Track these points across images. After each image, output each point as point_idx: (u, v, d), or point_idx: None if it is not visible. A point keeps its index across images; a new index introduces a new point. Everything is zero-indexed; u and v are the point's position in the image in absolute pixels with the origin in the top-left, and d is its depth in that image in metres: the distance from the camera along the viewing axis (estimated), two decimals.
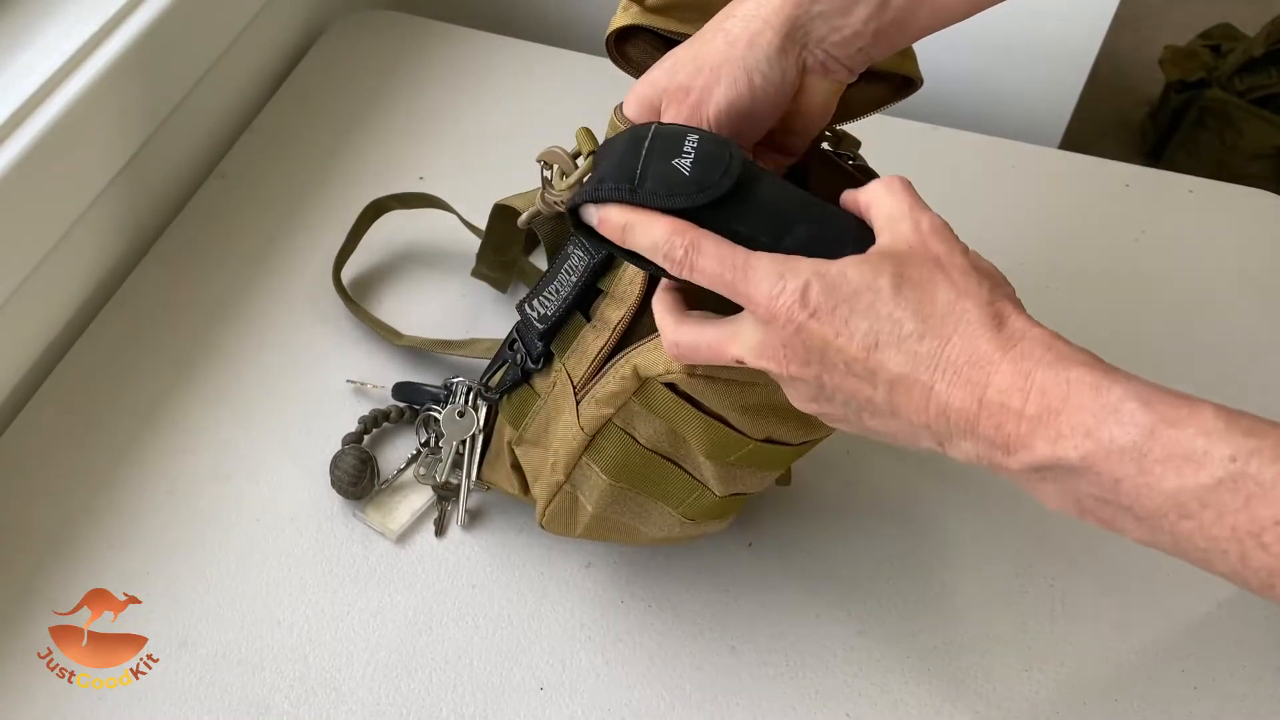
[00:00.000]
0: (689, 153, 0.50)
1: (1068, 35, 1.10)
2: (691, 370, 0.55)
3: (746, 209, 0.49)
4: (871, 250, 0.48)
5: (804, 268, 0.46)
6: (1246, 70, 1.80)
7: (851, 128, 0.65)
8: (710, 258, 0.48)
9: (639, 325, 0.60)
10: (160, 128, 0.85)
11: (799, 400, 0.50)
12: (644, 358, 0.57)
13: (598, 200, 0.51)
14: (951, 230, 0.49)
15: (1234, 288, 0.91)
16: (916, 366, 0.45)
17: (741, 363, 0.49)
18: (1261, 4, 1.87)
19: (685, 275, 0.49)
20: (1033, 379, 0.43)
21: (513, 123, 0.98)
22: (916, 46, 0.62)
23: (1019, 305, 0.46)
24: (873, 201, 0.50)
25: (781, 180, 0.52)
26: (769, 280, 0.46)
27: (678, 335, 0.52)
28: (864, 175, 0.63)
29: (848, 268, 0.46)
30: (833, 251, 0.48)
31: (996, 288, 0.46)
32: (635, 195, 0.50)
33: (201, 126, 0.93)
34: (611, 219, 0.50)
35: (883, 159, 0.65)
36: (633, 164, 0.50)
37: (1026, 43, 1.11)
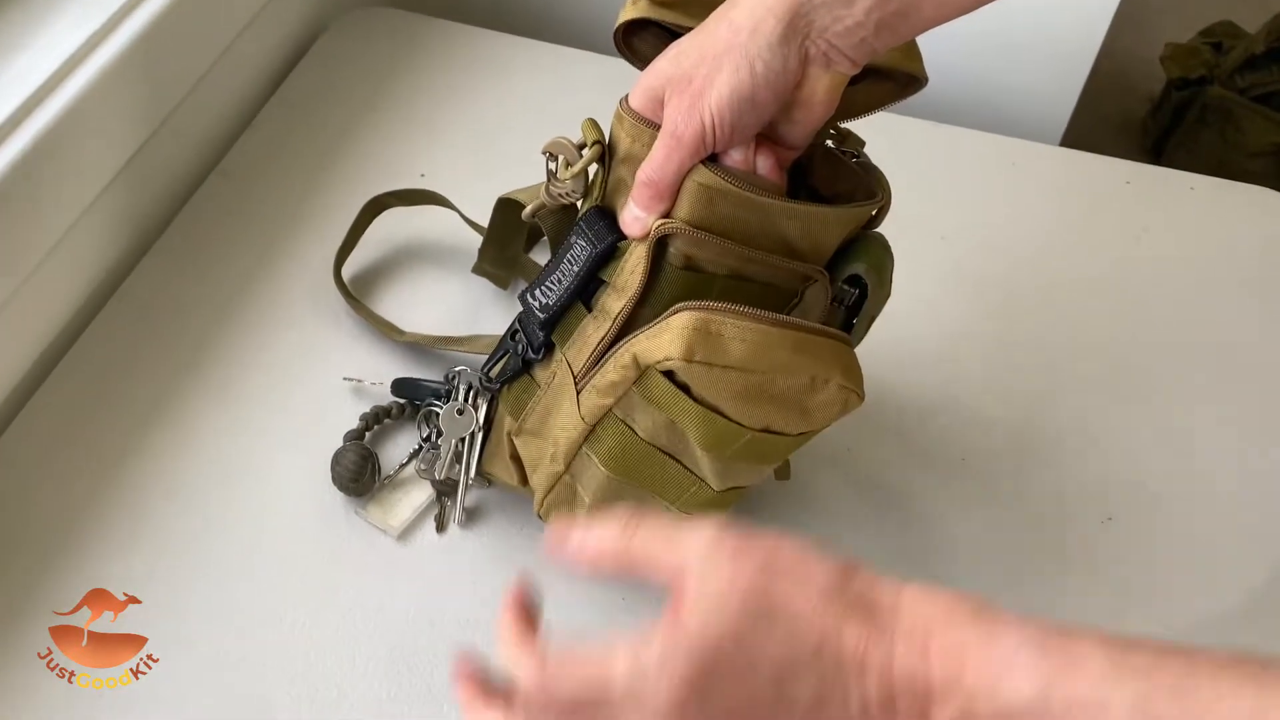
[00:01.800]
0: None
1: (1069, 33, 1.10)
2: (690, 356, 0.55)
3: None
4: (714, 583, 0.45)
5: (676, 654, 0.44)
6: (1248, 67, 1.80)
7: (854, 123, 0.65)
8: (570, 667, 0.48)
9: (639, 316, 0.60)
10: (160, 127, 0.85)
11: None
12: (643, 345, 0.57)
13: None
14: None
15: (1234, 285, 0.91)
16: (825, 680, 0.43)
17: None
18: (1262, 1, 1.86)
19: None
20: (929, 646, 0.43)
21: (514, 120, 0.98)
22: (919, 42, 0.62)
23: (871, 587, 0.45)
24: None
25: None
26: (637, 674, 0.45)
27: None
28: (866, 172, 0.63)
29: (710, 621, 0.44)
30: None
31: (835, 588, 0.45)
32: None
33: (201, 126, 0.93)
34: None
35: (885, 157, 0.65)
36: None
37: (1028, 40, 1.11)
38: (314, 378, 0.79)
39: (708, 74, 0.54)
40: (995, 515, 0.75)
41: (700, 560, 0.45)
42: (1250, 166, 1.77)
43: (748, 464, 0.61)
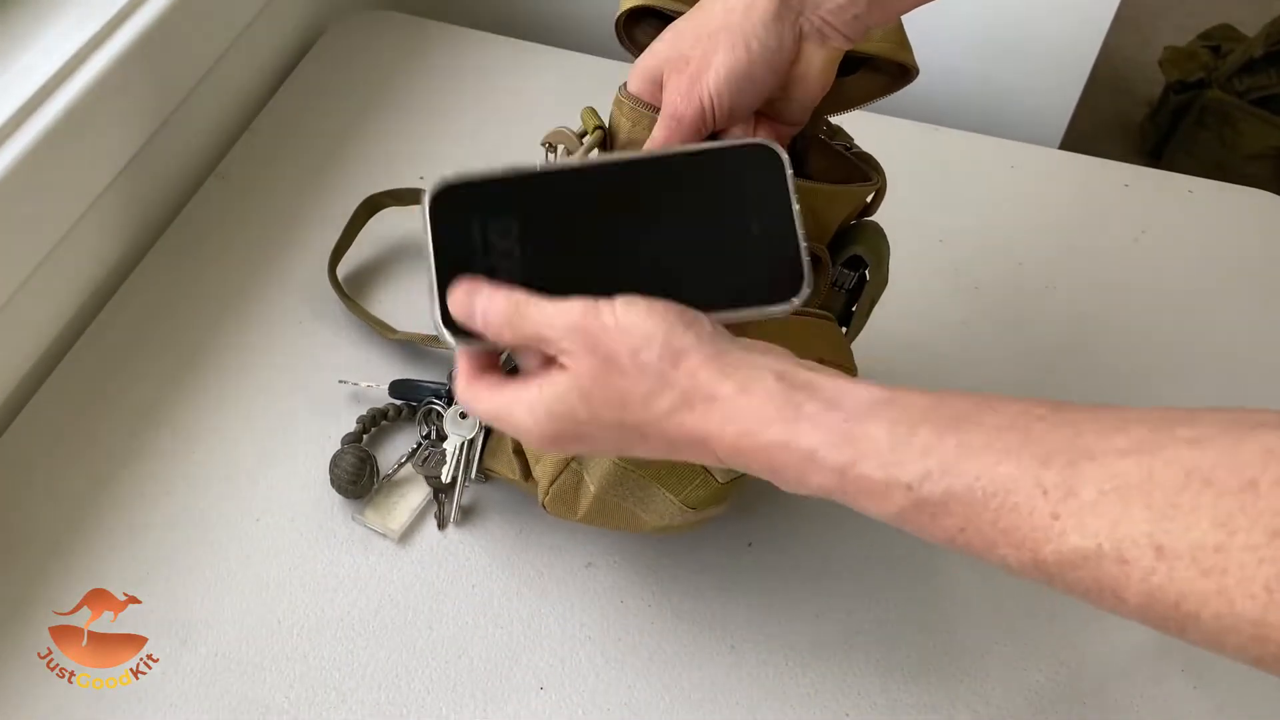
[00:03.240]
0: None
1: (1068, 36, 1.10)
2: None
3: None
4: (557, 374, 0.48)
5: (537, 412, 0.48)
6: (1246, 71, 1.80)
7: (854, 128, 0.65)
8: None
9: None
10: (160, 128, 0.85)
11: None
12: None
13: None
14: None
15: (1233, 287, 0.91)
16: (662, 379, 0.46)
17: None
18: (1261, 5, 1.87)
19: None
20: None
21: (512, 123, 0.98)
22: (916, 45, 0.62)
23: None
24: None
25: None
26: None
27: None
28: (862, 161, 0.64)
29: (559, 388, 0.47)
30: None
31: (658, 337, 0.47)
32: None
33: (201, 126, 0.93)
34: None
35: (884, 159, 0.65)
36: None
37: (1027, 43, 1.11)
38: (313, 378, 0.79)
39: (704, 54, 0.55)
40: None
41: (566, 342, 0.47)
42: (1248, 169, 1.78)
43: None
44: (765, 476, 0.45)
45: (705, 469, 0.62)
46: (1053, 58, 1.12)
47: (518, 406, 0.48)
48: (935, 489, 0.41)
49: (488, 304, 0.48)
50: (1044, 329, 0.87)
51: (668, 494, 0.63)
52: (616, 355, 0.46)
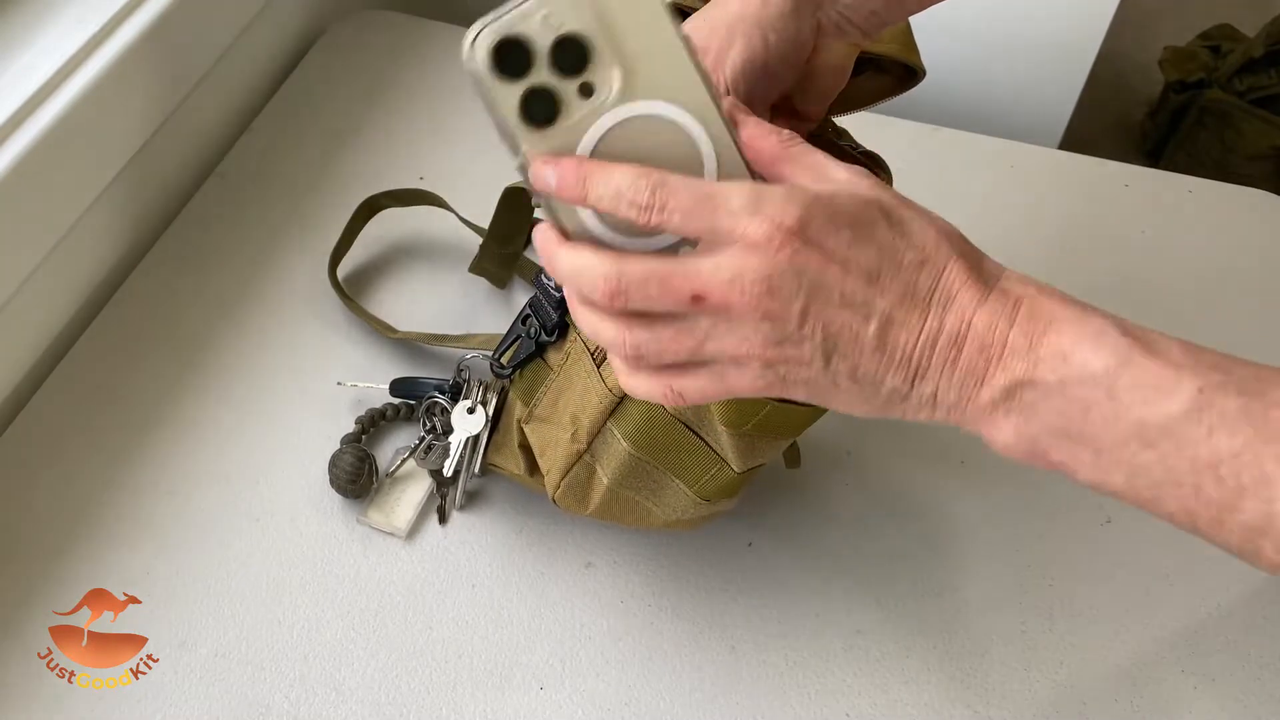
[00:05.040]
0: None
1: (1067, 36, 1.10)
2: None
3: None
4: (848, 185, 0.46)
5: (797, 194, 0.43)
6: (1246, 71, 1.80)
7: (854, 128, 0.66)
8: (681, 192, 0.43)
9: None
10: (160, 128, 0.85)
11: (754, 347, 0.44)
12: None
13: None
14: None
15: (1233, 288, 0.91)
16: (916, 295, 0.44)
17: (700, 301, 0.44)
18: (1261, 5, 1.87)
19: (654, 221, 0.43)
20: (1020, 307, 0.44)
21: None
22: (918, 39, 0.62)
23: (982, 254, 0.47)
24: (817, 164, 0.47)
25: None
26: (753, 206, 0.43)
27: (616, 267, 0.44)
28: (869, 160, 0.64)
29: (841, 194, 0.44)
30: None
31: (957, 236, 0.47)
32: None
33: (201, 126, 0.93)
34: (569, 171, 0.44)
35: (885, 158, 0.65)
36: None
37: (1026, 43, 1.11)
38: (313, 378, 0.79)
39: (721, 45, 0.55)
40: (995, 517, 0.75)
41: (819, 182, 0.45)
42: (1248, 169, 1.78)
43: (766, 440, 0.60)
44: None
45: (721, 459, 0.61)
46: (1052, 58, 1.12)
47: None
48: (1230, 403, 0.41)
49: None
50: None
51: (681, 485, 0.63)
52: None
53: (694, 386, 0.46)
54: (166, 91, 0.86)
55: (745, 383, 0.46)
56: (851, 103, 0.63)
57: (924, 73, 0.63)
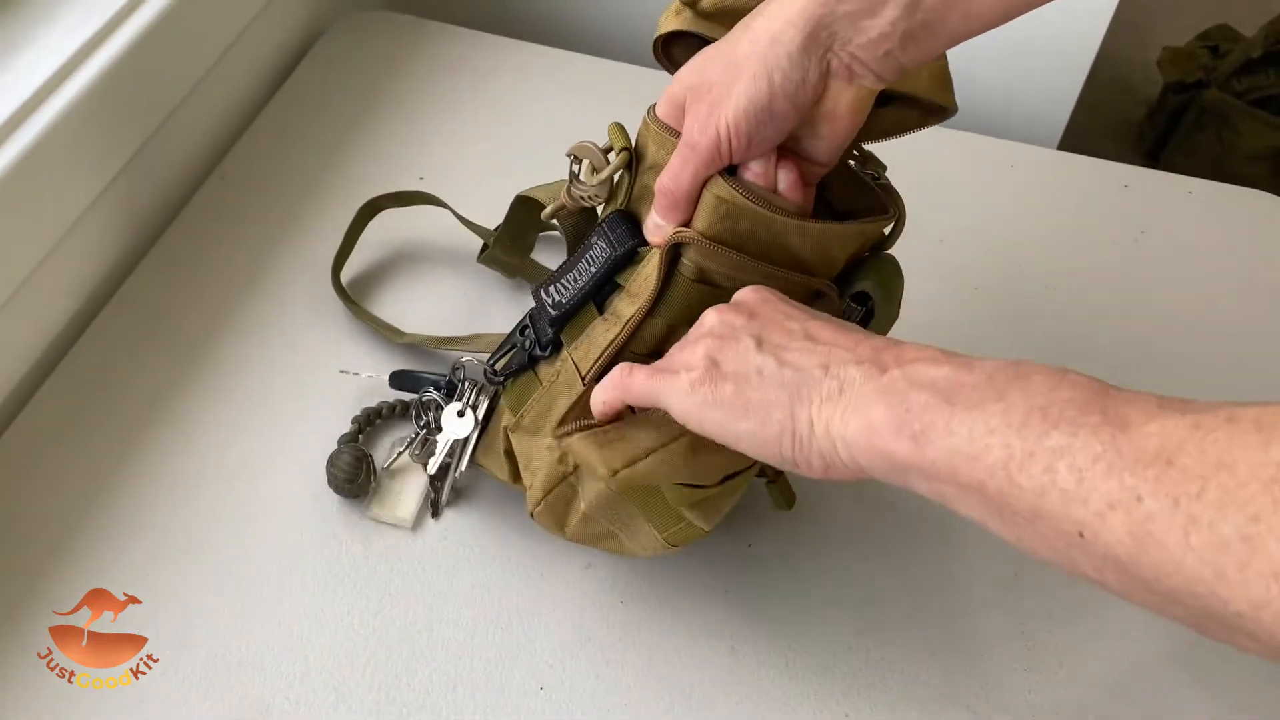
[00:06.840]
0: None
1: (1066, 36, 1.10)
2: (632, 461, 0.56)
3: None
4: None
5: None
6: (1245, 71, 1.80)
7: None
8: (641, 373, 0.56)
9: (648, 325, 0.60)
10: (160, 128, 0.85)
11: (694, 358, 0.53)
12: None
13: None
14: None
15: (1233, 288, 0.91)
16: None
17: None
18: (1260, 5, 1.87)
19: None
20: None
21: (512, 124, 0.98)
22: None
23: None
24: None
25: None
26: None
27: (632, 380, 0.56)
28: (887, 194, 0.63)
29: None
30: None
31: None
32: None
33: (201, 126, 0.93)
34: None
35: (883, 159, 0.66)
36: None
37: (1025, 43, 1.11)
38: (313, 378, 0.79)
39: (727, 83, 0.54)
40: None
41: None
42: (1247, 170, 1.78)
43: (726, 499, 0.62)
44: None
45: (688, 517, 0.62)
46: (1052, 58, 1.12)
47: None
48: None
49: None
50: (1044, 329, 0.87)
51: (652, 529, 0.63)
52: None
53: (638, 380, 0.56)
54: (167, 91, 0.86)
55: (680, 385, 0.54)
56: (878, 131, 0.62)
57: (956, 109, 0.61)
